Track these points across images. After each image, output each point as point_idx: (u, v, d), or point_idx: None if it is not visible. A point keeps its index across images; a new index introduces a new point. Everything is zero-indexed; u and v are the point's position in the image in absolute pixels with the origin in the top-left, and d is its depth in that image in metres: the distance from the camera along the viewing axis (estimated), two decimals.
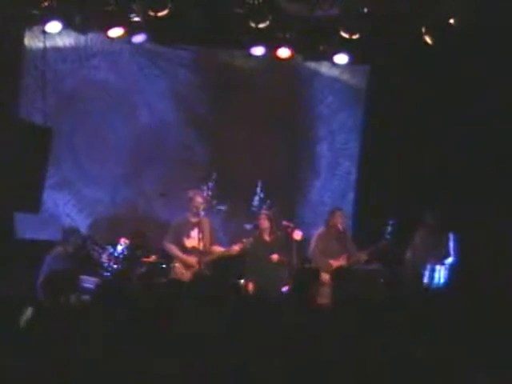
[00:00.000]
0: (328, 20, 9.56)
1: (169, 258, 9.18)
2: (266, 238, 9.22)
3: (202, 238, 8.94)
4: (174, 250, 8.98)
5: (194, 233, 9.00)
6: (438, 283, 9.26)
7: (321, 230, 9.56)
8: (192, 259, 8.92)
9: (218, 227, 10.26)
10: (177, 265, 8.98)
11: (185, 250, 8.98)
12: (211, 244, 9.06)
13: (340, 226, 9.44)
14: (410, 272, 9.56)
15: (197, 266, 8.90)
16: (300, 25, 9.75)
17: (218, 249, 9.14)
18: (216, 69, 10.59)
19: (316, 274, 8.45)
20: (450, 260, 9.53)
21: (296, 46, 9.98)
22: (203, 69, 10.57)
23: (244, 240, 9.10)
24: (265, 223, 9.17)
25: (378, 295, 6.75)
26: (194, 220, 8.99)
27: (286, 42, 9.83)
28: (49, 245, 9.02)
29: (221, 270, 9.05)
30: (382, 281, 8.99)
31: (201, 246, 8.94)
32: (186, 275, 8.76)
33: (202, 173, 10.30)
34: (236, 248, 9.02)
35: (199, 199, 8.97)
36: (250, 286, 8.85)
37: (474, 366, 4.26)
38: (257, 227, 9.35)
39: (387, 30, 9.70)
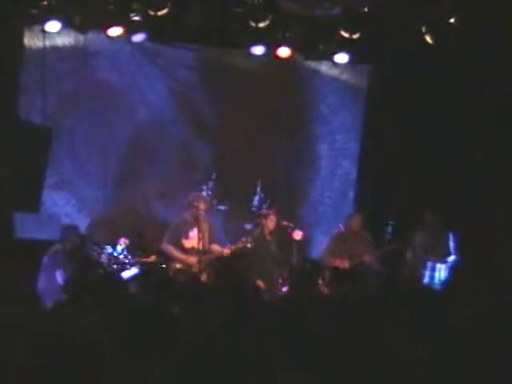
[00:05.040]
0: (328, 20, 9.56)
1: (168, 258, 9.18)
2: (268, 237, 9.22)
3: (202, 237, 8.92)
4: (173, 250, 8.97)
5: (193, 233, 8.99)
6: (439, 282, 9.27)
7: (337, 231, 9.62)
8: (191, 259, 8.92)
9: (217, 227, 10.25)
10: (176, 265, 8.97)
11: (184, 250, 8.97)
12: (210, 243, 9.06)
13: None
14: (410, 272, 9.57)
15: (196, 266, 8.89)
16: (300, 24, 9.74)
17: (217, 248, 9.14)
18: (216, 68, 10.58)
19: (314, 274, 8.47)
20: (451, 259, 9.54)
21: (296, 46, 9.98)
22: (203, 68, 10.56)
23: (243, 239, 9.11)
24: (272, 223, 9.18)
25: (378, 295, 6.73)
26: (192, 220, 8.98)
27: (286, 41, 9.83)
28: (49, 245, 9.01)
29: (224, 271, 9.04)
30: (382, 281, 8.98)
31: (200, 246, 8.93)
32: None
33: (202, 173, 10.30)
34: (227, 251, 9.04)
35: (201, 205, 8.97)
36: (261, 284, 8.82)
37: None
38: (258, 227, 9.35)
39: (387, 30, 9.70)
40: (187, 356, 4.33)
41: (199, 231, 8.94)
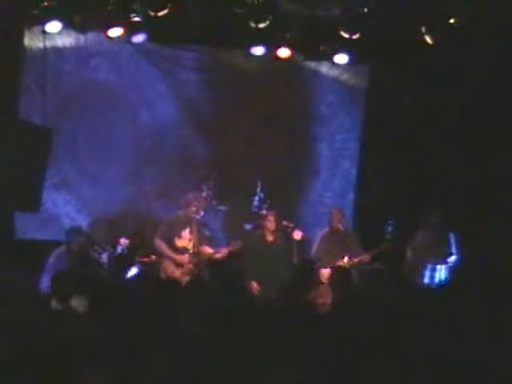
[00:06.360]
0: (328, 20, 9.57)
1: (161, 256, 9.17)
2: (269, 238, 9.22)
3: (193, 238, 8.96)
4: (164, 248, 8.98)
5: (185, 232, 9.02)
6: (439, 283, 9.29)
7: (324, 230, 9.60)
8: (182, 257, 8.93)
9: (217, 227, 10.27)
10: (166, 263, 8.98)
11: (175, 249, 8.99)
12: (200, 244, 9.08)
13: (340, 226, 9.49)
14: (410, 272, 9.58)
15: (187, 266, 8.92)
16: (300, 25, 9.75)
17: (207, 250, 9.16)
18: (216, 69, 10.59)
19: (312, 273, 8.47)
20: (452, 258, 9.56)
21: (296, 46, 9.98)
22: (203, 69, 10.57)
23: (233, 243, 9.14)
24: (272, 224, 9.17)
25: (378, 295, 6.74)
26: (185, 219, 9.00)
27: (286, 41, 9.83)
28: (49, 245, 9.02)
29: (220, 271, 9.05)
30: (382, 280, 8.99)
31: (190, 246, 8.97)
32: (176, 273, 8.78)
33: (202, 173, 10.29)
34: (224, 250, 9.06)
35: (197, 203, 8.98)
36: (255, 285, 8.84)
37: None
38: (258, 227, 9.36)
39: (387, 30, 9.71)
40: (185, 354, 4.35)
41: (191, 231, 8.99)
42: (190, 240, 8.99)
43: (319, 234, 9.67)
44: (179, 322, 4.98)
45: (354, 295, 6.36)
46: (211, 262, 9.12)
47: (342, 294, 6.77)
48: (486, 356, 4.53)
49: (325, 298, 8.11)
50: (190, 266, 8.94)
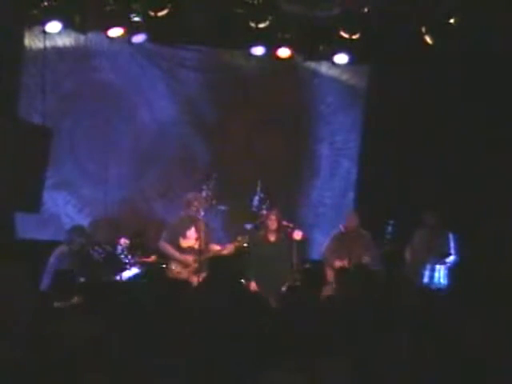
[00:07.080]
0: (328, 20, 9.58)
1: (166, 257, 9.18)
2: (271, 238, 9.22)
3: (199, 237, 8.96)
4: (170, 249, 9.00)
5: (191, 232, 9.03)
6: (438, 283, 9.30)
7: (337, 230, 9.65)
8: (188, 258, 8.94)
9: (217, 227, 10.27)
10: (173, 265, 8.98)
11: (181, 249, 9.00)
12: (207, 243, 9.09)
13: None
14: (409, 272, 9.59)
15: (193, 265, 8.92)
16: (300, 25, 9.76)
17: (216, 247, 9.17)
18: (216, 69, 10.60)
19: (320, 274, 8.48)
20: (451, 259, 9.56)
21: (296, 46, 10.00)
22: (203, 68, 10.57)
23: (239, 238, 9.13)
24: (274, 224, 9.18)
25: (377, 295, 6.75)
26: (189, 220, 9.01)
27: (286, 41, 9.84)
28: (49, 245, 9.03)
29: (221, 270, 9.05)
30: (382, 280, 9.01)
31: (197, 246, 8.97)
32: (183, 274, 8.79)
33: (202, 173, 10.30)
34: (231, 246, 9.07)
35: (198, 203, 8.99)
36: (253, 285, 8.86)
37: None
38: (259, 227, 9.37)
39: (387, 30, 9.72)
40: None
41: (197, 231, 8.99)
42: (196, 239, 8.99)
43: (332, 233, 9.72)
44: (179, 322, 4.98)
45: (353, 295, 6.36)
46: (212, 261, 9.11)
47: (344, 293, 6.78)
48: (485, 356, 4.53)
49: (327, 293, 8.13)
50: (196, 265, 8.93)
